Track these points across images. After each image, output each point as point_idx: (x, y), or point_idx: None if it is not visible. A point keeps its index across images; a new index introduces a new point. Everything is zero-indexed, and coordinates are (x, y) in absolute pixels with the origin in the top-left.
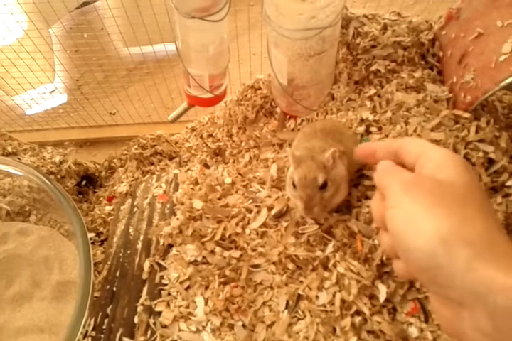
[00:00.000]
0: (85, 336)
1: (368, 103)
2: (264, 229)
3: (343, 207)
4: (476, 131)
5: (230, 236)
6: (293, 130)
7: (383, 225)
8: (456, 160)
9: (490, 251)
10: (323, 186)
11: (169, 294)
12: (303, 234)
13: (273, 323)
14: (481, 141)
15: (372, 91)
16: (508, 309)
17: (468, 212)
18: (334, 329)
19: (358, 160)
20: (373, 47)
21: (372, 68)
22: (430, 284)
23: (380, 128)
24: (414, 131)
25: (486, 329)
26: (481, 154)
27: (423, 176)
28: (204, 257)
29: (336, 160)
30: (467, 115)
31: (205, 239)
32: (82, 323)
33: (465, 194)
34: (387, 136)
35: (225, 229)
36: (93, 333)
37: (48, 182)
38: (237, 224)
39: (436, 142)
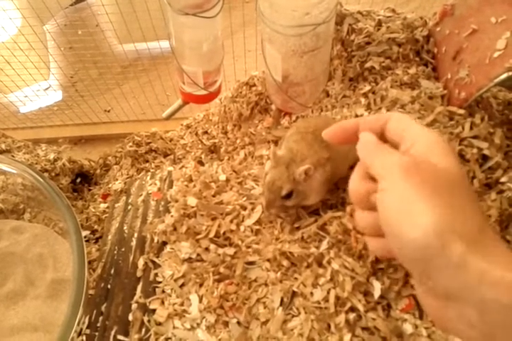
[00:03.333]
0: (80, 334)
1: (363, 100)
2: (258, 227)
3: (337, 204)
4: (471, 128)
5: (224, 233)
6: (288, 127)
7: (362, 204)
8: (444, 145)
9: (481, 242)
10: (287, 196)
11: (163, 292)
12: (298, 229)
13: (268, 320)
14: (475, 137)
15: (367, 88)
16: (497, 302)
17: (459, 202)
18: (329, 326)
19: (351, 158)
20: (368, 43)
21: (367, 65)
22: (418, 274)
23: None
24: None
25: (473, 322)
26: (475, 150)
27: (422, 161)
28: (198, 254)
29: (310, 175)
30: (462, 111)
31: (199, 237)
32: (77, 321)
33: (457, 182)
34: None
35: (219, 226)
36: (87, 331)
37: (41, 180)
38: (231, 221)
39: None
